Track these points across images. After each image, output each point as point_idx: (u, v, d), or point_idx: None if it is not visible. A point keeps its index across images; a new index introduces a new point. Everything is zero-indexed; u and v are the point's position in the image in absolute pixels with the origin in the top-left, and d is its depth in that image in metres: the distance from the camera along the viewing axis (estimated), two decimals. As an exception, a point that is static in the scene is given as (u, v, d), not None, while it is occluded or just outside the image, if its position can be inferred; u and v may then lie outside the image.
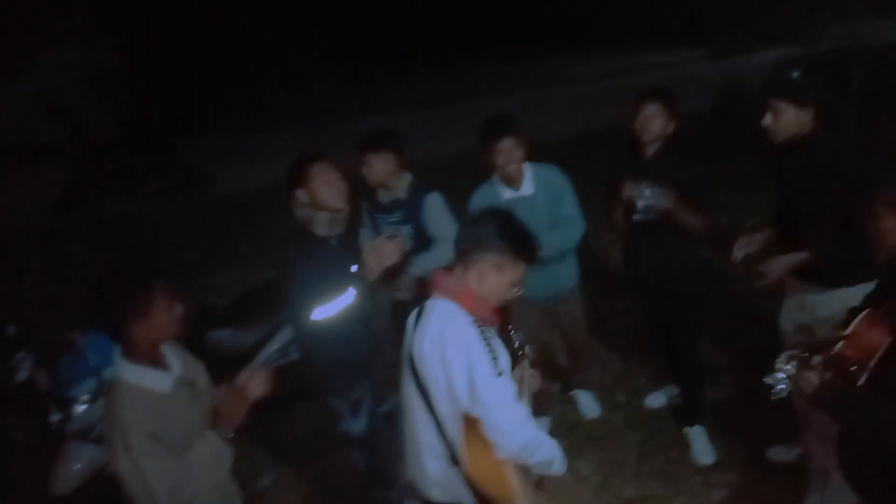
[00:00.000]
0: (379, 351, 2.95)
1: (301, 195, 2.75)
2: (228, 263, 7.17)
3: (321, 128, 13.09)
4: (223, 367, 2.47)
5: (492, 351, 1.93)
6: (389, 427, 2.94)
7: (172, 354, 2.18)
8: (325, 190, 2.73)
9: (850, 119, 6.91)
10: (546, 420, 3.77)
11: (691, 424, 3.54)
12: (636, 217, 3.24)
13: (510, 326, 2.31)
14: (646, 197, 3.15)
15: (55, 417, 3.45)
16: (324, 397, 2.98)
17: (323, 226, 2.78)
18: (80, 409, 3.42)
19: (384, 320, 3.19)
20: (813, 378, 1.93)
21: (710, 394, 3.79)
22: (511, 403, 1.91)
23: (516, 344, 2.26)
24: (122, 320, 2.01)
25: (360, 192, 3.37)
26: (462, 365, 1.90)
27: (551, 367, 4.07)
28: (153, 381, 2.04)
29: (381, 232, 3.33)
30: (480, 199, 3.34)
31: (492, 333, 2.00)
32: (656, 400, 3.89)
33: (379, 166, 3.33)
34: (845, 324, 1.96)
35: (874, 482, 1.97)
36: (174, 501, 1.98)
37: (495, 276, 2.00)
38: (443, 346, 1.93)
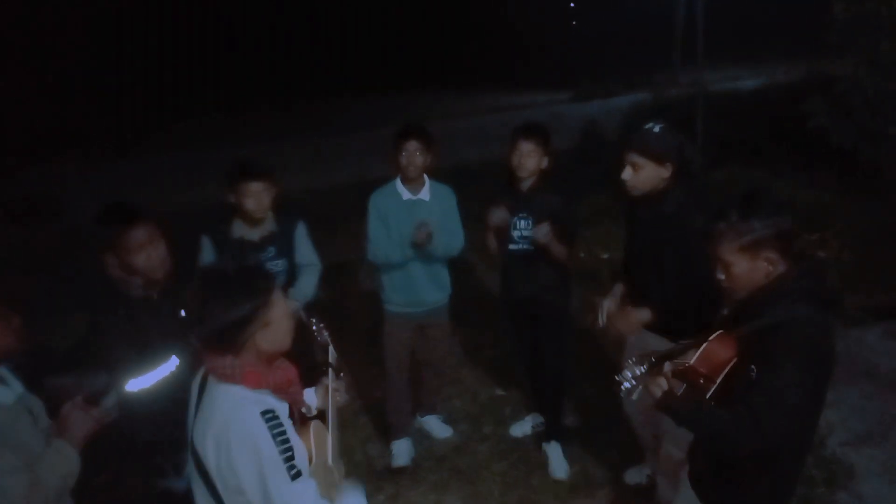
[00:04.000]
0: None
1: (112, 262, 2.32)
2: (78, 302, 6.58)
3: (198, 155, 12.53)
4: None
5: (286, 449, 1.74)
6: None
7: (11, 379, 2.10)
8: (144, 262, 2.33)
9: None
10: (406, 441, 3.80)
11: (549, 440, 3.68)
12: (511, 247, 3.37)
13: (315, 328, 2.27)
14: (521, 228, 3.27)
15: None
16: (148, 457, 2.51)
17: (138, 288, 2.39)
18: None
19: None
20: (663, 384, 2.01)
21: (573, 421, 3.94)
22: None
23: (326, 354, 2.23)
24: None
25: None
26: (253, 472, 1.70)
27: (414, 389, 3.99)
28: None
29: None
30: (382, 197, 3.49)
31: (284, 421, 1.79)
32: (521, 429, 3.97)
33: (262, 195, 3.16)
34: (697, 341, 2.06)
35: (717, 491, 2.08)
36: None
37: (270, 332, 1.80)
38: (229, 451, 1.70)
